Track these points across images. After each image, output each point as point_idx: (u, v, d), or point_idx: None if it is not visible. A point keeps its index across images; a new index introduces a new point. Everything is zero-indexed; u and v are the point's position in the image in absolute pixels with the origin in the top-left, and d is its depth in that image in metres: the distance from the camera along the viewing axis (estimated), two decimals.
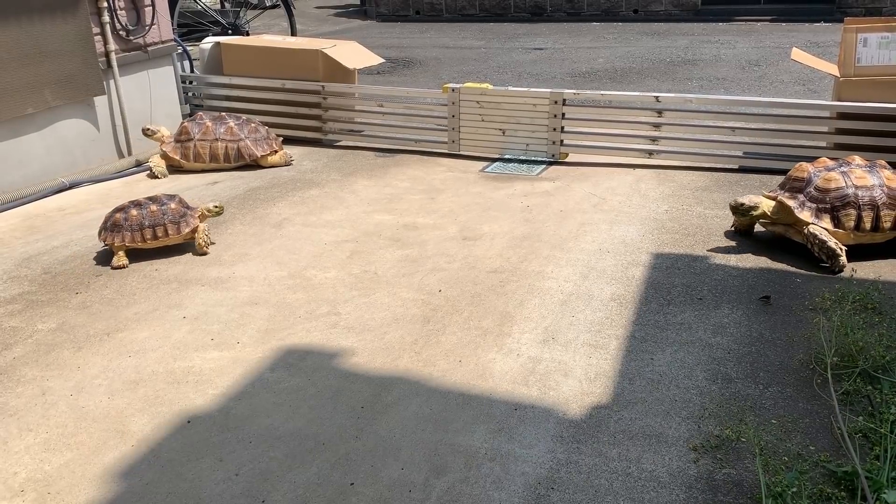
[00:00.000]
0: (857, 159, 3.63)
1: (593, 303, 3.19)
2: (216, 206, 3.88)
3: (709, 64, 8.39)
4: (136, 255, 3.75)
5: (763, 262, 3.51)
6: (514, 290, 3.31)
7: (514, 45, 10.20)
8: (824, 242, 3.40)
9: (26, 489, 2.20)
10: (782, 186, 3.70)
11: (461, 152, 5.30)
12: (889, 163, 4.35)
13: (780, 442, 2.29)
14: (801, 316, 3.03)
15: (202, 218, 3.84)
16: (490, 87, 5.17)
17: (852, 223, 3.44)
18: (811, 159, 3.77)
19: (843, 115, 4.53)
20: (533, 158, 5.13)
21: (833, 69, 4.74)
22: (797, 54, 4.97)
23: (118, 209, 3.76)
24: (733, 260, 3.55)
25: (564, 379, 2.66)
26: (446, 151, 5.34)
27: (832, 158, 3.71)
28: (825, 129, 4.65)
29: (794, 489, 2.03)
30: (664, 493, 2.11)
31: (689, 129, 4.89)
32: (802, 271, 3.41)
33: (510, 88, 5.19)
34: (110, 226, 3.71)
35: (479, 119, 5.19)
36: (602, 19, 12.34)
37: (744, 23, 11.31)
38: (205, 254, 3.77)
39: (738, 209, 3.66)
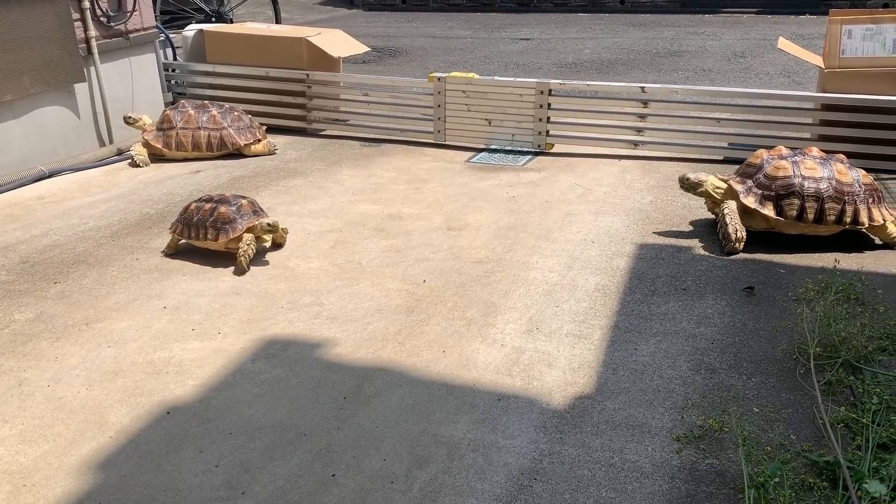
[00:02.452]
0: (815, 151, 3.64)
1: (578, 293, 3.18)
2: (269, 224, 3.48)
3: (694, 55, 8.39)
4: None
5: (747, 253, 3.51)
6: (499, 281, 3.29)
7: (501, 35, 10.16)
8: (726, 225, 3.50)
9: (1, 481, 2.16)
10: (737, 171, 3.73)
11: (447, 142, 5.27)
12: (869, 154, 4.39)
13: (762, 432, 2.30)
14: (785, 307, 3.03)
15: (253, 231, 3.47)
16: (476, 76, 5.14)
17: (794, 213, 3.46)
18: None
19: (828, 107, 4.54)
20: (519, 149, 5.11)
21: (818, 60, 4.75)
22: (784, 44, 4.97)
23: (195, 199, 3.65)
24: (717, 251, 3.54)
25: (548, 369, 2.64)
26: (432, 141, 5.31)
27: (792, 148, 3.72)
28: (810, 120, 4.66)
29: (777, 479, 2.03)
30: (647, 484, 2.11)
31: (675, 120, 4.88)
32: (786, 262, 3.42)
33: (496, 78, 5.16)
34: (178, 212, 3.64)
35: (464, 109, 5.16)
36: (589, 10, 12.32)
37: (730, 14, 11.33)
38: (242, 271, 3.39)
39: (683, 182, 3.77)
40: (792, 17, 10.82)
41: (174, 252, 3.61)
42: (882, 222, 3.46)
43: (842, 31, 4.50)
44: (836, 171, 3.49)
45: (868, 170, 4.27)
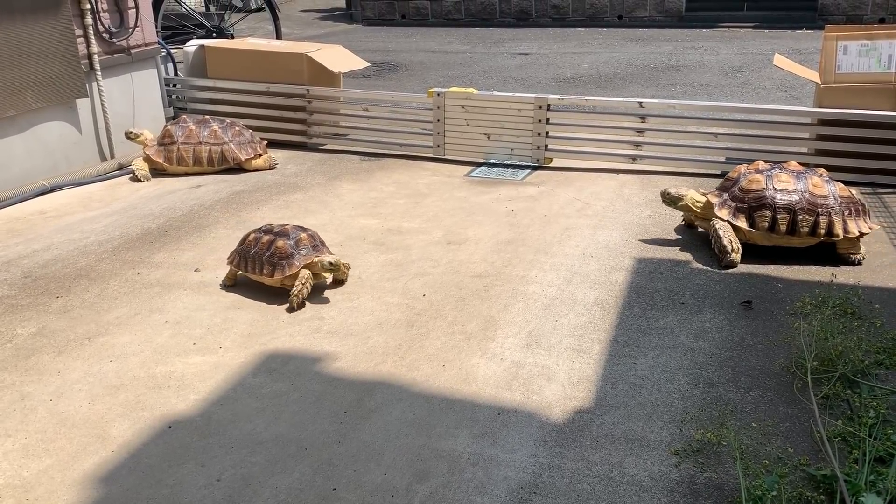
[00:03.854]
0: (793, 164, 3.68)
1: (577, 307, 3.20)
2: (331, 263, 3.25)
3: (692, 70, 8.45)
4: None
5: (744, 267, 3.54)
6: (498, 295, 3.31)
7: (500, 50, 10.23)
8: (720, 239, 3.55)
9: (4, 495, 2.18)
10: (718, 186, 3.82)
11: (446, 157, 5.31)
12: (865, 169, 4.43)
13: (760, 446, 2.31)
14: (782, 320, 3.05)
15: (311, 268, 3.28)
16: (475, 91, 5.18)
17: (766, 224, 3.51)
18: None
19: (824, 122, 4.58)
20: (517, 163, 5.14)
21: (814, 76, 4.79)
22: (780, 60, 5.01)
23: (254, 229, 3.49)
24: (715, 265, 3.57)
25: (548, 383, 2.66)
26: (431, 156, 5.34)
27: (772, 161, 3.77)
28: (806, 135, 4.69)
29: (774, 493, 2.04)
30: (646, 498, 2.12)
31: (673, 135, 4.92)
32: (783, 276, 3.44)
33: (495, 93, 5.20)
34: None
35: (464, 124, 5.20)
36: (587, 25, 12.40)
37: (727, 29, 11.41)
38: (293, 309, 3.21)
39: (664, 196, 3.86)
40: (788, 31, 10.89)
41: (232, 284, 3.45)
42: (857, 234, 3.49)
43: (837, 46, 4.55)
44: (811, 183, 3.54)
45: (864, 184, 4.33)
